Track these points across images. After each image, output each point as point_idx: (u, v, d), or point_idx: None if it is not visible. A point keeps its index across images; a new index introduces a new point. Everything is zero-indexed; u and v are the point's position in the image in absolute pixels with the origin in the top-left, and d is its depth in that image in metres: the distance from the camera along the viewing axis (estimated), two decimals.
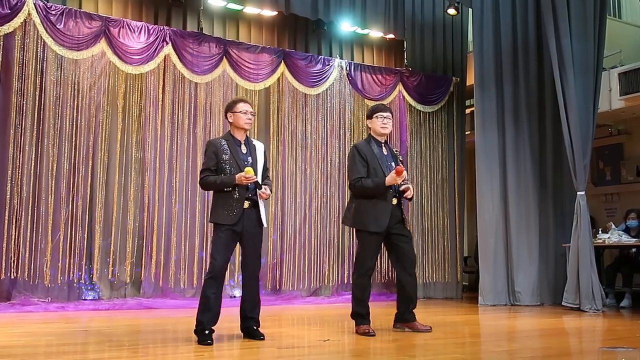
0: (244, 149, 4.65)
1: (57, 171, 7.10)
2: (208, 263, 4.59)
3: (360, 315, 4.96)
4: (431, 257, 9.32)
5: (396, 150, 5.28)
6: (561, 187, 8.22)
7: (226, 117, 4.75)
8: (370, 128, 5.17)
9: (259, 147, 4.79)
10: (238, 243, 4.62)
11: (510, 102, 8.35)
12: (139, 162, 7.62)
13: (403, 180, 4.93)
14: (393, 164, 5.05)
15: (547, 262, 8.10)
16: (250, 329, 4.60)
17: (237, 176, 4.44)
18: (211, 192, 4.73)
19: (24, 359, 3.90)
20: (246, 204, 4.51)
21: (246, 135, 4.74)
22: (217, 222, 4.51)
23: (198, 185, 4.85)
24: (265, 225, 4.67)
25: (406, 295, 5.09)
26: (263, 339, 4.52)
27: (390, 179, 4.85)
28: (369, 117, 5.16)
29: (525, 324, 6.25)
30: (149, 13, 7.97)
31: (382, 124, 5.08)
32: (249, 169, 4.43)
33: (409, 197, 5.00)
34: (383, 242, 5.05)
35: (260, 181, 4.59)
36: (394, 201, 4.99)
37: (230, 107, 4.73)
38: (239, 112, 4.65)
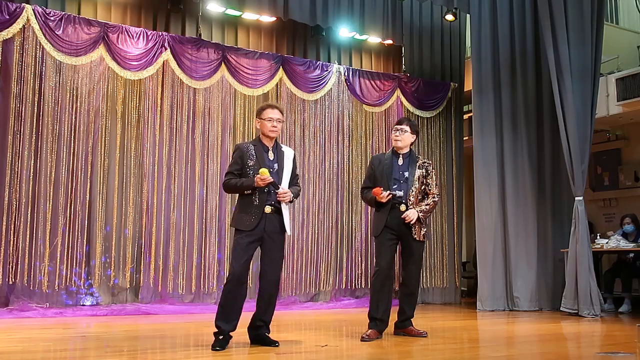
0: (271, 156, 4.62)
1: (55, 176, 7.10)
2: (228, 269, 4.56)
3: (372, 318, 5.05)
4: (429, 263, 9.31)
5: (424, 161, 5.28)
6: (559, 193, 8.23)
7: (257, 122, 4.73)
8: None
9: (289, 153, 4.74)
10: (259, 248, 4.57)
11: (508, 107, 8.36)
12: (137, 167, 7.63)
13: (392, 197, 4.99)
14: (406, 173, 5.13)
15: (546, 267, 8.10)
16: (262, 335, 4.56)
17: (255, 177, 4.42)
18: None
19: None
20: (268, 209, 4.49)
21: (275, 141, 4.70)
22: (236, 227, 4.52)
23: (222, 188, 4.83)
24: (288, 232, 4.63)
25: (400, 306, 5.27)
26: (277, 345, 4.49)
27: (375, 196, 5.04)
28: (393, 130, 5.35)
29: (524, 329, 6.25)
30: (147, 19, 7.99)
31: (395, 138, 5.23)
32: (263, 170, 4.40)
33: (410, 221, 5.05)
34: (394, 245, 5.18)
35: (287, 187, 4.59)
36: (402, 207, 5.05)
37: (258, 113, 4.70)
38: (265, 119, 4.61)
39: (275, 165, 4.60)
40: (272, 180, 4.44)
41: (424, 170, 5.20)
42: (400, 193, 5.04)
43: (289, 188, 4.63)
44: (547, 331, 5.94)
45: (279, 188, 4.52)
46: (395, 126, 5.25)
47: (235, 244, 4.50)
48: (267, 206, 4.50)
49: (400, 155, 5.21)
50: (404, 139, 5.18)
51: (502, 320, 7.06)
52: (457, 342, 5.23)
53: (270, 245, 4.55)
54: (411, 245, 5.12)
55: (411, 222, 5.02)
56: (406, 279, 5.22)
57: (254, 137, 8.17)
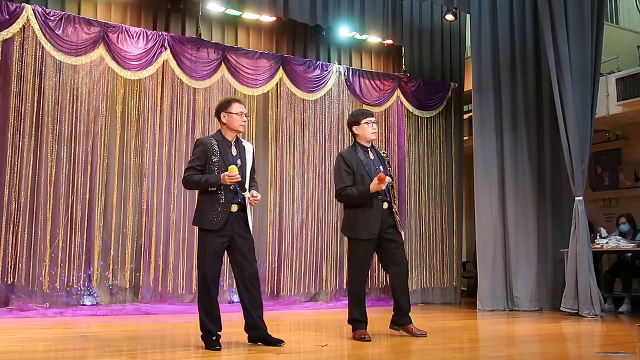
0: (234, 151, 4.51)
1: (55, 176, 7.09)
2: (197, 272, 4.44)
3: (357, 320, 4.97)
4: (429, 262, 9.31)
5: (383, 153, 5.24)
6: (559, 192, 8.23)
7: (218, 117, 4.57)
8: (356, 135, 5.10)
9: (249, 148, 4.64)
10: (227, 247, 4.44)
11: (508, 107, 8.36)
12: (137, 167, 7.63)
13: (389, 184, 4.89)
14: (381, 167, 5.02)
15: (546, 267, 8.10)
16: (264, 335, 4.48)
17: (222, 175, 4.29)
18: None
19: None
20: (234, 208, 4.38)
21: (237, 136, 4.60)
22: (202, 226, 4.37)
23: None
24: (250, 230, 4.50)
25: (397, 300, 5.11)
26: (283, 344, 4.42)
27: (373, 186, 4.81)
28: (357, 123, 5.05)
29: (524, 329, 6.25)
30: (147, 18, 7.98)
31: (373, 130, 5.06)
32: (232, 167, 4.28)
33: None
34: (375, 247, 5.04)
35: (247, 184, 4.48)
36: (385, 205, 4.98)
37: (224, 107, 4.54)
38: (235, 113, 4.49)
39: (239, 161, 4.47)
40: (239, 179, 4.32)
41: (387, 163, 5.16)
42: (389, 179, 4.93)
43: (250, 186, 4.50)
44: (547, 331, 5.93)
45: (245, 189, 4.41)
46: (370, 118, 5.05)
47: (203, 246, 4.37)
48: (233, 205, 4.39)
49: (368, 150, 5.09)
50: (377, 131, 5.13)
51: (502, 320, 7.06)
52: (457, 342, 5.23)
53: (240, 243, 4.41)
54: (396, 240, 5.03)
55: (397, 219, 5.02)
56: (400, 272, 5.06)
57: (254, 137, 8.23)
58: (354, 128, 5.10)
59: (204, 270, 4.36)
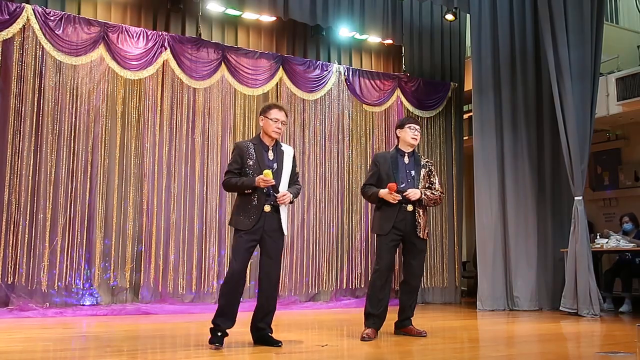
0: (270, 155, 4.61)
1: (55, 176, 7.09)
2: (228, 267, 4.58)
3: (369, 315, 5.07)
4: (430, 262, 9.30)
5: (426, 160, 5.36)
6: (559, 192, 8.23)
7: (260, 120, 4.72)
8: (399, 137, 5.30)
9: (288, 152, 4.73)
10: (258, 246, 4.57)
11: (508, 107, 8.37)
12: (137, 167, 7.62)
13: (403, 195, 4.99)
14: (413, 172, 5.17)
15: (546, 267, 8.11)
16: (265, 335, 4.56)
17: (257, 178, 4.42)
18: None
19: None
20: (267, 208, 4.49)
21: (276, 140, 4.68)
22: (235, 226, 4.53)
23: (222, 187, 4.81)
24: (284, 233, 4.62)
25: (402, 304, 5.30)
26: (280, 345, 4.48)
27: (382, 192, 5.03)
28: (401, 127, 5.29)
29: (524, 329, 6.25)
30: (147, 18, 7.98)
31: (413, 135, 5.24)
32: (267, 172, 4.40)
33: (412, 199, 5.03)
34: (401, 246, 5.21)
35: (287, 187, 4.60)
36: (409, 208, 5.08)
37: (264, 111, 4.67)
38: (270, 119, 4.60)
39: (275, 165, 4.59)
40: (273, 182, 4.43)
41: (427, 170, 5.27)
42: (398, 196, 5.02)
43: (289, 187, 4.63)
44: (547, 331, 5.94)
45: (278, 191, 4.52)
46: (413, 124, 5.26)
47: (234, 243, 4.51)
48: (266, 205, 4.50)
49: (406, 154, 5.25)
50: (419, 138, 5.28)
51: (502, 320, 7.06)
52: (457, 342, 5.23)
53: (269, 245, 4.54)
54: (415, 244, 5.15)
55: (411, 200, 5.03)
56: (410, 277, 5.24)
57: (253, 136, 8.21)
58: (397, 131, 5.36)
59: (231, 267, 4.46)
